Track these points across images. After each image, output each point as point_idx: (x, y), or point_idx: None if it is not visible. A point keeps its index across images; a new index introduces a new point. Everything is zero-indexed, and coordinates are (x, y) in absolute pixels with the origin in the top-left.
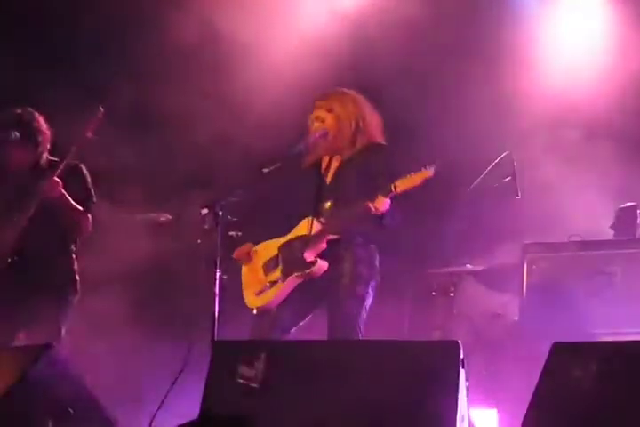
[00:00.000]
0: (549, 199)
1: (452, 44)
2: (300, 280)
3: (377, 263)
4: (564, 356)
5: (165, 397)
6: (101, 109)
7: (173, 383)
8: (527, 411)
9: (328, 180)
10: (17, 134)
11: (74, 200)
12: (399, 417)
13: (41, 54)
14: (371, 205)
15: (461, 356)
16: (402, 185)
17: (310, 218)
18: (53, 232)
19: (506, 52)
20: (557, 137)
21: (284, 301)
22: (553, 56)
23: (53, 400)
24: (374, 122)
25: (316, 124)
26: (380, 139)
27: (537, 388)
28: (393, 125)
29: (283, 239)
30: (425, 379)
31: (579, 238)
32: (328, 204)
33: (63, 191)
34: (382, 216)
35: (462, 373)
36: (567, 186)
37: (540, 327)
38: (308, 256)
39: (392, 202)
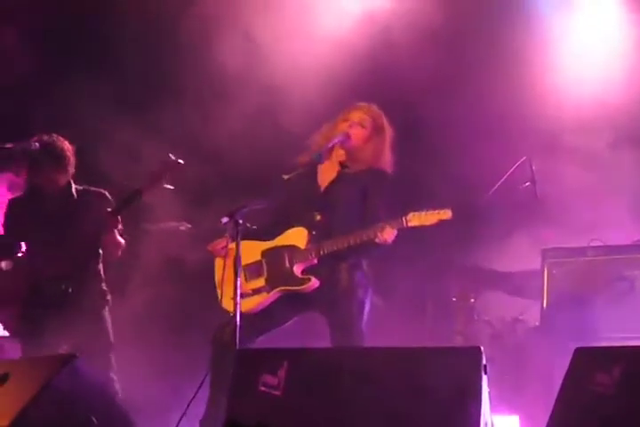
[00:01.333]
0: (569, 204)
1: (471, 50)
2: (284, 293)
3: (368, 272)
4: (587, 361)
5: (189, 404)
6: (173, 158)
7: (197, 392)
8: (550, 417)
9: (323, 190)
10: (37, 144)
11: (103, 227)
12: (423, 425)
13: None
14: (379, 234)
15: (484, 362)
16: (414, 221)
17: (301, 228)
18: (87, 256)
19: (525, 58)
20: (578, 142)
21: (265, 308)
22: (571, 61)
23: (77, 410)
24: (390, 153)
25: (353, 126)
26: (387, 167)
27: (560, 393)
28: (411, 128)
29: (267, 244)
30: (447, 385)
31: (599, 243)
32: (318, 216)
33: (119, 239)
34: (381, 245)
35: (485, 378)
36: (589, 191)
37: (562, 332)
38: (297, 270)
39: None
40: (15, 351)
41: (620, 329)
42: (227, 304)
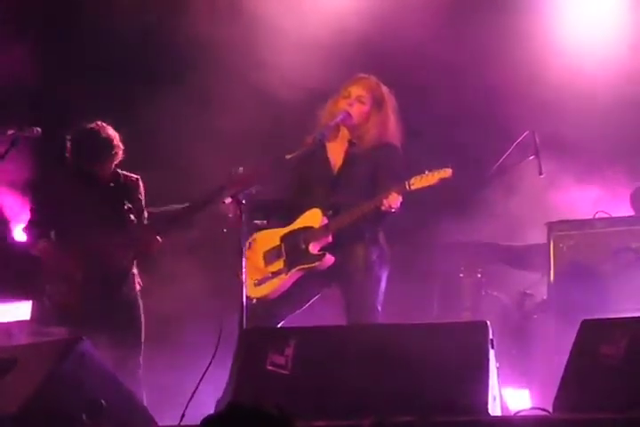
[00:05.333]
0: (573, 177)
1: (470, 27)
2: (303, 273)
3: (386, 248)
4: (594, 333)
5: (198, 385)
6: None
7: (205, 372)
8: (558, 389)
9: (336, 170)
10: (39, 130)
11: (134, 213)
12: (430, 400)
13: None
14: (385, 201)
15: (490, 336)
16: (417, 183)
17: (316, 209)
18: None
19: (527, 27)
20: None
21: (286, 291)
22: (574, 29)
23: (85, 393)
24: (396, 123)
25: (352, 104)
26: (396, 141)
27: (567, 366)
28: (411, 107)
29: (286, 229)
30: (455, 360)
31: (605, 215)
32: (332, 197)
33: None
34: (388, 211)
35: (492, 353)
36: (591, 165)
37: (569, 305)
38: (313, 249)
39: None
40: (23, 336)
41: (626, 301)
42: (251, 292)
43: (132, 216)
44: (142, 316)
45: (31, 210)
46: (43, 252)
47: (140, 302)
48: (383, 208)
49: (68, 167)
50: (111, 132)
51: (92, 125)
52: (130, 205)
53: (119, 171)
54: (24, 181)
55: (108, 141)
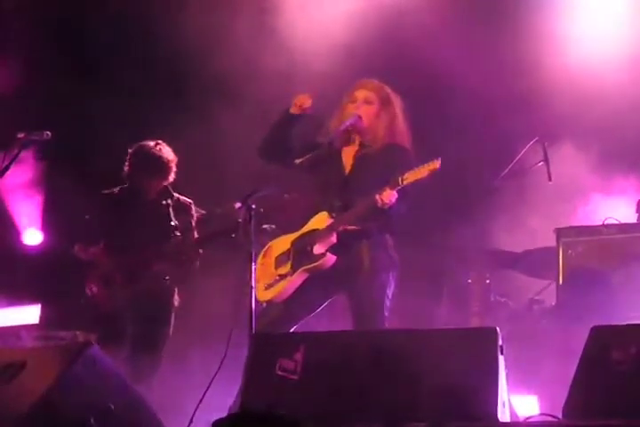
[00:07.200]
0: (582, 183)
1: (483, 32)
2: (308, 274)
3: (393, 253)
4: (603, 339)
5: (207, 390)
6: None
7: (213, 378)
8: (568, 395)
9: (346, 173)
10: (49, 134)
11: (179, 230)
12: (440, 406)
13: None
14: (378, 197)
15: (500, 342)
16: (409, 178)
17: (324, 212)
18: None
19: (541, 30)
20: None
21: (293, 294)
22: (588, 33)
23: (94, 397)
24: (404, 122)
25: (360, 106)
26: (405, 141)
27: (577, 372)
28: (418, 113)
29: (297, 234)
30: (464, 366)
31: (614, 222)
32: (339, 201)
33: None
34: (388, 209)
35: (501, 359)
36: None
37: (578, 312)
38: (317, 250)
39: (398, 195)
40: (31, 340)
41: (636, 308)
42: (260, 296)
43: (177, 232)
44: (170, 330)
45: (86, 220)
46: (93, 256)
47: (173, 318)
48: (378, 205)
49: (122, 179)
50: (170, 154)
51: (154, 144)
52: (177, 223)
53: (173, 192)
54: (33, 184)
55: (167, 162)
